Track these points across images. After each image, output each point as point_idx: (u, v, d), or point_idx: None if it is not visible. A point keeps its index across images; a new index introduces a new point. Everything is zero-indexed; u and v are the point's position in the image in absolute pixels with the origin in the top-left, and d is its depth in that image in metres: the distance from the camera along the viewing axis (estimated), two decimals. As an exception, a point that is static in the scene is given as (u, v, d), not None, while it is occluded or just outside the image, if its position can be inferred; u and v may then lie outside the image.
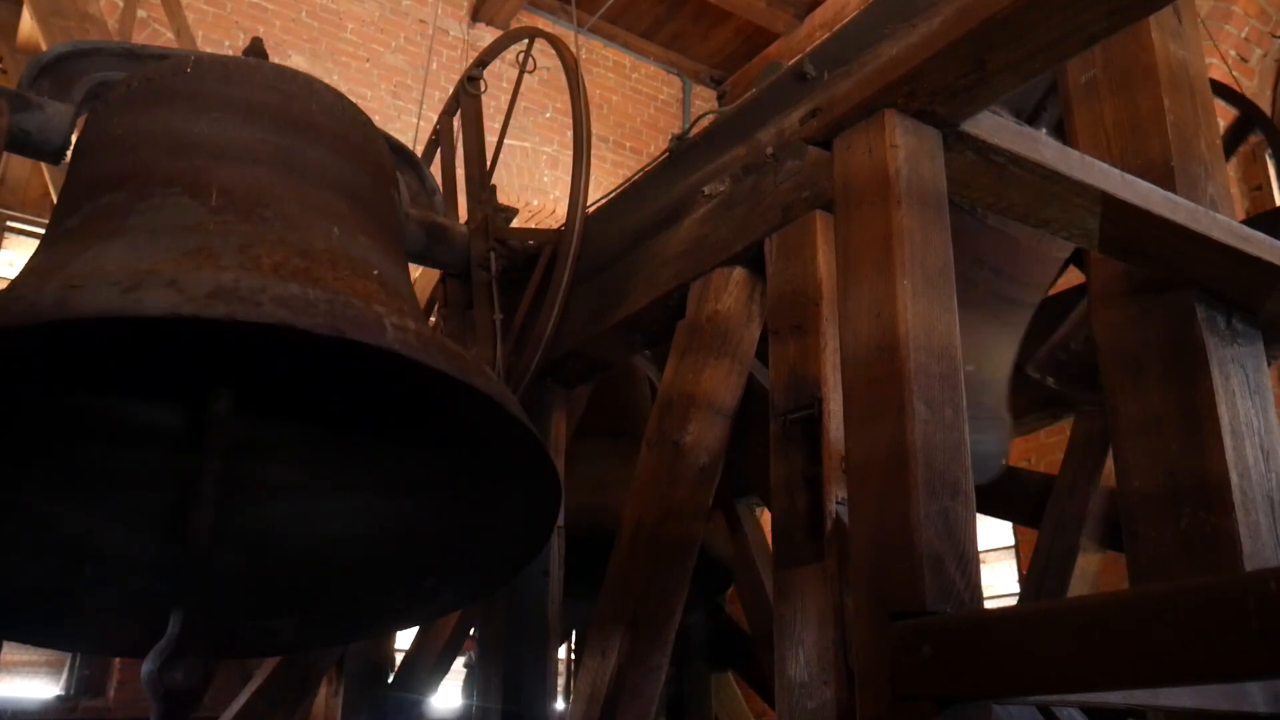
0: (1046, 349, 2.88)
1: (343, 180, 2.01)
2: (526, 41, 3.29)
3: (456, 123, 3.48)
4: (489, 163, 3.20)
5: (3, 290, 1.64)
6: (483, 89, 3.31)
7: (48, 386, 2.01)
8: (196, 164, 1.87)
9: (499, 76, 5.18)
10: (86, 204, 1.87)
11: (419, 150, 3.27)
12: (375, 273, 1.87)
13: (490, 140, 3.26)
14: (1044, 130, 2.45)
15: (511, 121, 3.44)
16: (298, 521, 2.23)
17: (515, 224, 3.11)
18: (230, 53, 3.14)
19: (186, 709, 1.83)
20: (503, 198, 3.14)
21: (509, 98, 3.38)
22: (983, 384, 2.74)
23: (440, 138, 3.42)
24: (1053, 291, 2.89)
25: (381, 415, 2.13)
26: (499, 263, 2.90)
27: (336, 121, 2.11)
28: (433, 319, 3.39)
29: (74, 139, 2.41)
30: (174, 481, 2.19)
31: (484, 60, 3.39)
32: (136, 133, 1.98)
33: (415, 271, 5.21)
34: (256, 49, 2.34)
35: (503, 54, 3.41)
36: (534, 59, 3.25)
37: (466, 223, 3.05)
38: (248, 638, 2.28)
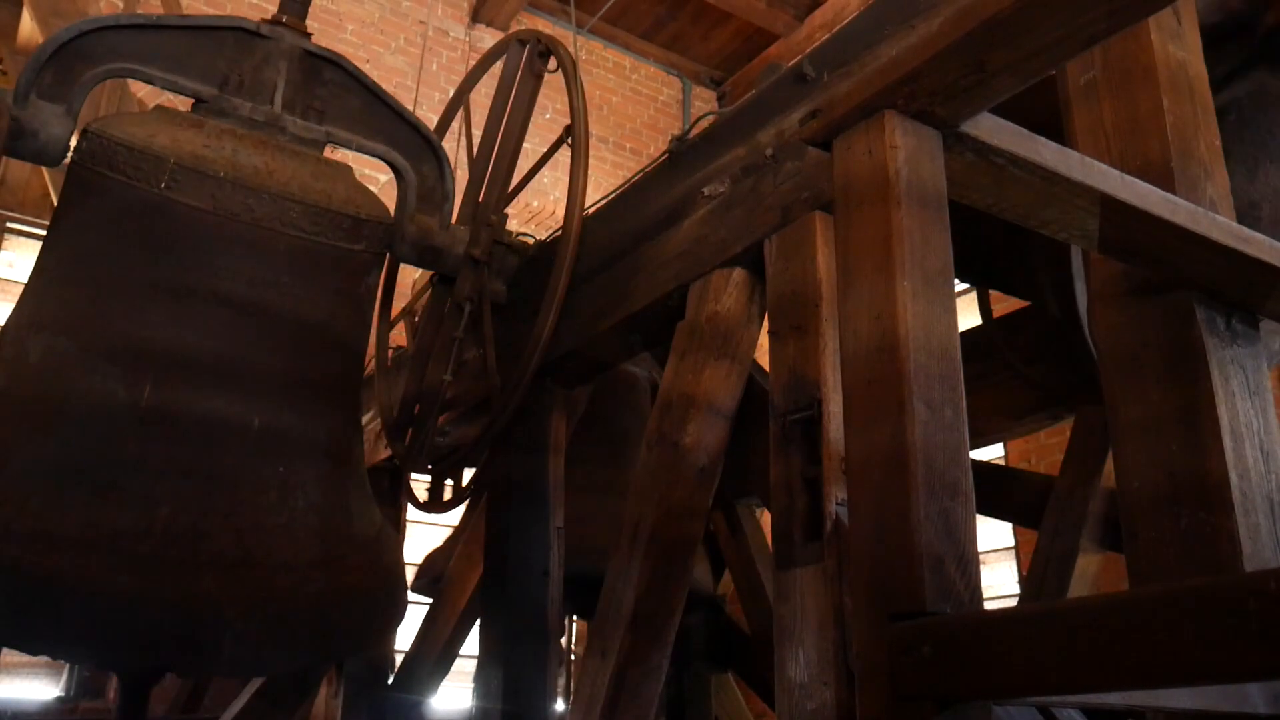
0: None
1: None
2: (526, 43, 3.29)
3: (457, 122, 3.49)
4: (514, 185, 3.19)
5: None
6: (553, 67, 3.24)
7: None
8: (140, 345, 2.19)
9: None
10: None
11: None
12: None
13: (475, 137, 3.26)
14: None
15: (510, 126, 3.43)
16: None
17: (514, 223, 3.11)
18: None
19: None
20: (502, 198, 3.14)
21: (507, 104, 3.37)
22: None
23: (490, 113, 3.36)
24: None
25: None
26: (482, 303, 2.92)
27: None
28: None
29: (73, 139, 2.41)
30: None
31: (550, 46, 3.30)
32: (103, 251, 2.32)
33: (417, 272, 5.18)
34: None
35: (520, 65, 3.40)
36: (539, 61, 3.25)
37: (475, 214, 3.05)
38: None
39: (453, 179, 2.87)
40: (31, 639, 1.98)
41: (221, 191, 2.38)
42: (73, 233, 2.38)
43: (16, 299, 2.37)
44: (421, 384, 3.11)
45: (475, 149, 3.31)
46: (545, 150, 3.19)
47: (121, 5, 5.63)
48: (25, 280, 2.44)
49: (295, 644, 2.22)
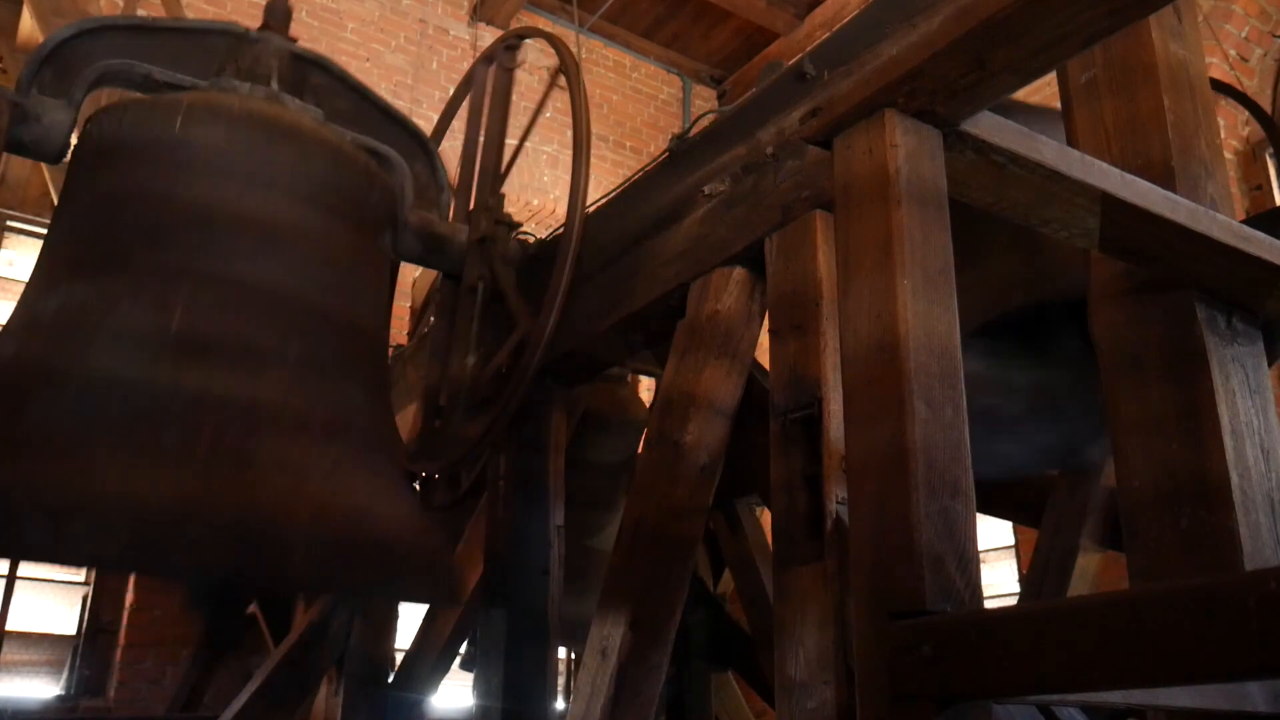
0: None
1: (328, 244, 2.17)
2: (527, 41, 3.30)
3: (460, 119, 3.49)
4: (505, 165, 3.20)
5: None
6: (519, 62, 3.30)
7: None
8: (169, 262, 2.07)
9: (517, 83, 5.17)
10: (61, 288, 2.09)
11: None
12: (340, 421, 2.15)
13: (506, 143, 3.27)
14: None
15: (512, 121, 3.44)
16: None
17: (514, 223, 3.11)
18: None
19: None
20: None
21: (513, 102, 3.38)
22: None
23: (469, 121, 3.39)
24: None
25: None
26: (491, 285, 2.91)
27: (323, 188, 2.28)
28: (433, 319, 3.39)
29: (74, 139, 2.41)
30: None
31: (522, 35, 3.35)
32: (118, 198, 2.22)
33: (416, 271, 5.20)
34: (277, 10, 2.44)
35: (519, 64, 3.41)
36: (532, 58, 3.25)
37: (469, 216, 3.06)
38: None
39: (445, 174, 2.90)
40: (75, 552, 1.91)
41: (235, 128, 2.32)
42: (90, 177, 2.32)
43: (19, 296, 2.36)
44: (442, 378, 3.10)
45: (465, 151, 3.32)
46: (532, 119, 3.20)
47: (121, 4, 5.63)
48: (26, 279, 2.44)
49: (362, 565, 2.10)
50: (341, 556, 2.03)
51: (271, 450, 2.04)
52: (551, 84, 3.22)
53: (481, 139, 3.28)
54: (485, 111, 3.32)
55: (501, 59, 3.32)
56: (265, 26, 2.71)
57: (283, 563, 1.92)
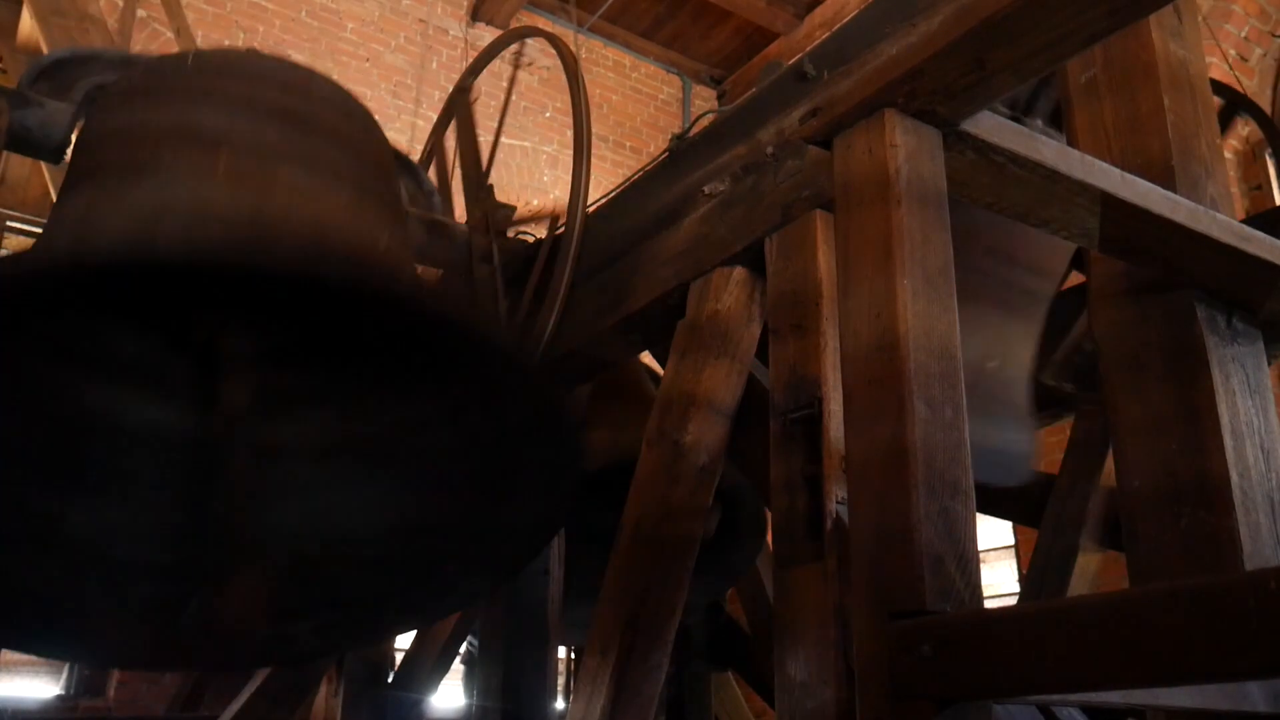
0: (1062, 352, 2.85)
1: (346, 170, 2.01)
2: (527, 41, 3.29)
3: (451, 134, 3.49)
4: (486, 162, 3.21)
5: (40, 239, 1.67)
6: (476, 96, 3.31)
7: (57, 362, 1.99)
8: (201, 149, 1.87)
9: (499, 75, 5.18)
10: (93, 176, 1.88)
11: (418, 148, 3.28)
12: (382, 245, 1.87)
13: (485, 140, 3.27)
14: (1039, 120, 2.43)
15: (510, 121, 3.44)
16: (311, 519, 2.21)
17: (515, 221, 3.11)
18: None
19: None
20: (502, 197, 3.13)
21: (510, 95, 3.38)
22: (1008, 381, 2.71)
23: (435, 149, 3.41)
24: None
25: (398, 383, 2.10)
26: (501, 255, 2.90)
27: (338, 115, 2.11)
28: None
29: (74, 137, 2.41)
30: (184, 478, 2.16)
31: (476, 69, 3.38)
32: (139, 124, 1.97)
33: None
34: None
35: (503, 54, 3.41)
36: (531, 58, 3.26)
37: (466, 221, 3.06)
38: (262, 646, 2.24)
39: (430, 181, 2.91)
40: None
41: (246, 65, 2.23)
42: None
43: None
44: None
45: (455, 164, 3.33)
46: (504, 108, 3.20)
47: (121, 4, 5.63)
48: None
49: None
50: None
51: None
52: (515, 72, 3.21)
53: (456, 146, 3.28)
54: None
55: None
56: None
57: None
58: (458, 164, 3.29)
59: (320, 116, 2.03)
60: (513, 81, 3.38)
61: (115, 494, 2.14)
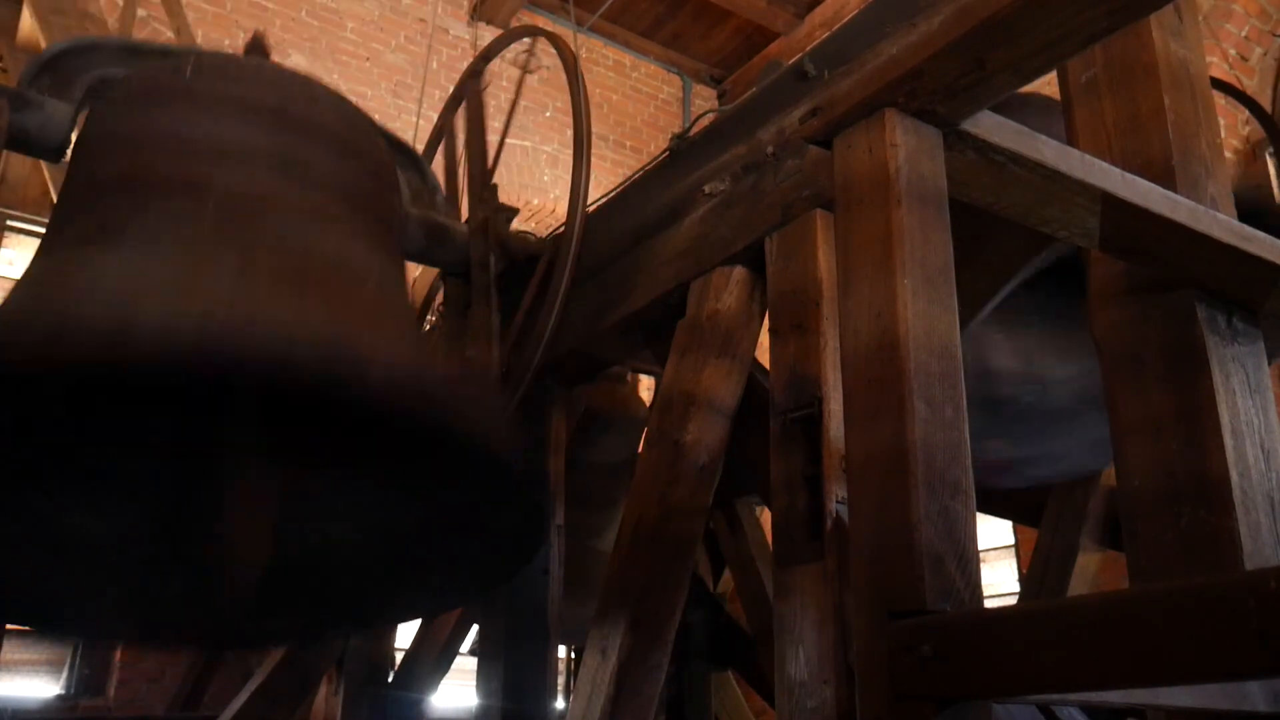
0: None
1: (342, 182, 2.00)
2: (528, 41, 3.29)
3: (458, 120, 3.49)
4: (491, 161, 3.20)
5: (3, 310, 1.65)
6: (486, 84, 3.31)
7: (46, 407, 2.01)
8: (196, 169, 1.87)
9: (499, 75, 5.18)
10: (86, 208, 1.87)
11: (420, 148, 3.27)
12: (371, 280, 1.87)
13: (492, 140, 3.26)
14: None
15: (511, 120, 3.44)
16: (301, 522, 2.23)
17: (515, 222, 3.10)
18: (230, 51, 3.14)
19: None
20: (503, 196, 3.13)
21: (510, 96, 3.38)
22: None
23: (445, 134, 3.41)
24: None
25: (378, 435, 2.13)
26: (499, 264, 2.90)
27: (337, 123, 2.10)
28: (431, 317, 3.39)
29: (74, 137, 2.41)
30: (177, 481, 2.18)
31: (488, 55, 3.38)
32: (137, 133, 1.97)
33: (415, 270, 5.21)
34: (257, 45, 2.33)
35: (503, 54, 3.41)
36: (530, 57, 3.26)
37: (467, 222, 3.05)
38: (244, 635, 2.27)
39: (435, 178, 2.90)
40: None
41: (245, 71, 2.25)
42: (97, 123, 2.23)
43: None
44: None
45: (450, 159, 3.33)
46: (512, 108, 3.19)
47: (122, 4, 5.63)
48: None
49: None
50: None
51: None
52: (523, 74, 3.21)
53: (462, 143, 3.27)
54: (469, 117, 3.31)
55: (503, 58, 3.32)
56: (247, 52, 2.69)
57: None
58: (463, 156, 3.29)
59: (316, 145, 2.02)
60: (520, 85, 3.37)
61: (108, 495, 2.16)
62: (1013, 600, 5.87)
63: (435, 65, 7.85)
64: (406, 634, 3.58)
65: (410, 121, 7.35)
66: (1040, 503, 3.08)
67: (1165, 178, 2.01)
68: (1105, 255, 2.06)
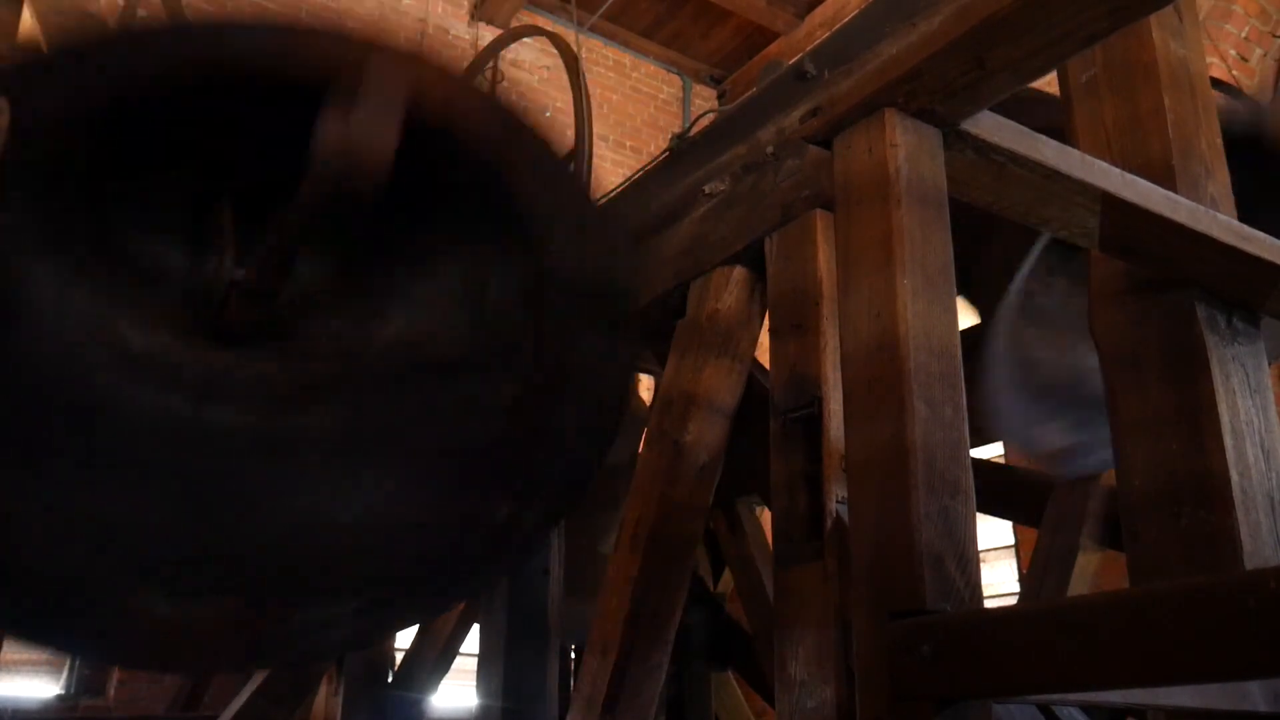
0: None
1: None
2: (526, 40, 3.29)
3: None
4: None
5: None
6: (486, 84, 3.31)
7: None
8: None
9: (499, 75, 5.16)
10: None
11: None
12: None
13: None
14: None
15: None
16: (336, 498, 2.16)
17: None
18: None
19: None
20: (503, 197, 3.13)
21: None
22: None
23: None
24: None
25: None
26: None
27: None
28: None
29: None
30: (199, 449, 2.13)
31: (478, 66, 3.38)
32: None
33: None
34: None
35: (506, 56, 3.41)
36: (531, 57, 3.25)
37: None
38: (303, 634, 2.20)
39: None
40: None
41: None
42: None
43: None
44: None
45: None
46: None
47: (122, 3, 5.63)
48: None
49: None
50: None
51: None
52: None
53: None
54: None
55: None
56: None
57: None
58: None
59: None
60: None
61: (121, 480, 2.12)
62: (1013, 600, 5.87)
63: (435, 65, 7.84)
64: (406, 634, 3.57)
65: (410, 122, 7.35)
66: (1040, 503, 3.07)
67: (1165, 178, 2.01)
68: (1105, 255, 2.06)
